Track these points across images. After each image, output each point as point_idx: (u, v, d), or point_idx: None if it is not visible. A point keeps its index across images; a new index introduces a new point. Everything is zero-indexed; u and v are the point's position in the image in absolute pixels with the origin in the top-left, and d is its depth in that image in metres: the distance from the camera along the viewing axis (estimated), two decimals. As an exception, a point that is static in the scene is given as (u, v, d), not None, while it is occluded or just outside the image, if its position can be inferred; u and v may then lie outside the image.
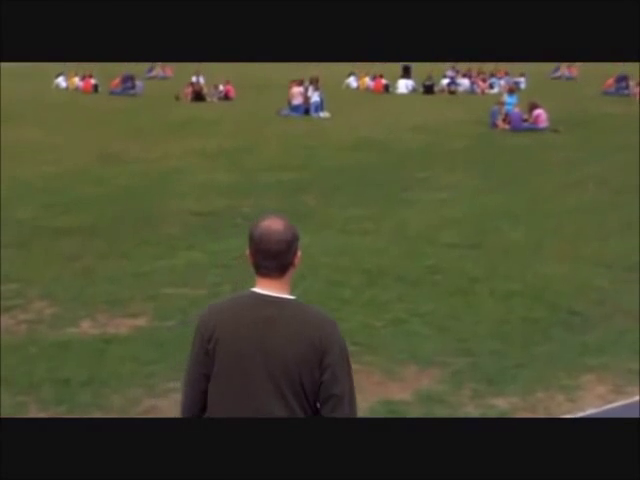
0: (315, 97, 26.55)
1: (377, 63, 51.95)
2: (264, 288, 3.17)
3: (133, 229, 11.34)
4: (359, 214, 12.32)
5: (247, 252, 3.22)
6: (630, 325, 7.87)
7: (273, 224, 3.15)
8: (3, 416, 5.82)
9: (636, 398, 6.39)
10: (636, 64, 44.05)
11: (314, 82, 26.86)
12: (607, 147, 19.69)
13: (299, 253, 3.22)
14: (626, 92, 34.86)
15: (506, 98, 24.12)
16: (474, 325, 7.87)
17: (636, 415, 5.67)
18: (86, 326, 7.84)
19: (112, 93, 35.55)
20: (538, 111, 22.97)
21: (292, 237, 3.15)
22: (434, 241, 10.80)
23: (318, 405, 3.17)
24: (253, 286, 3.24)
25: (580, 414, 6.15)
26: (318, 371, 3.08)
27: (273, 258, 3.14)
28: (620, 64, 48.12)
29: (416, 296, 8.65)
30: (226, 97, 32.46)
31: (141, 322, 7.95)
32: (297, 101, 26.66)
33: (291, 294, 3.20)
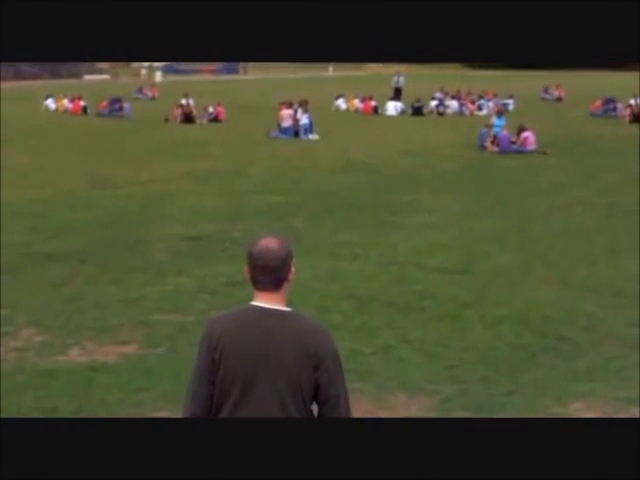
0: (304, 119, 26.62)
1: (365, 85, 52.28)
2: (263, 301, 3.49)
3: (122, 254, 11.33)
4: (348, 238, 12.34)
5: (245, 269, 3.53)
6: (619, 351, 7.89)
7: (269, 243, 3.48)
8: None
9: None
10: (622, 87, 44.45)
11: (303, 104, 26.94)
12: (595, 170, 19.82)
13: (293, 269, 3.53)
14: (613, 114, 35.06)
15: (494, 120, 24.22)
16: (463, 351, 7.88)
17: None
18: (74, 354, 7.81)
19: (100, 115, 35.74)
20: (526, 133, 23.09)
21: (287, 254, 3.49)
22: (423, 266, 10.82)
23: (316, 407, 3.50)
24: None
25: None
26: (315, 375, 3.41)
27: (269, 274, 3.46)
28: (606, 86, 48.50)
29: (405, 322, 8.67)
30: (216, 119, 32.52)
31: (130, 349, 7.93)
32: (286, 123, 26.73)
33: (287, 306, 3.52)
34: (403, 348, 7.95)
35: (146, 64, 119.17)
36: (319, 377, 3.42)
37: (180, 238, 12.32)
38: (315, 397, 3.48)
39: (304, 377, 3.41)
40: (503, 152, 22.55)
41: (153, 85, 50.94)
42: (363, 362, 7.57)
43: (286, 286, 3.52)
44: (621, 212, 14.56)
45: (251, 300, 3.54)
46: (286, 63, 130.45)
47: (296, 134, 26.51)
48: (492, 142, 23.19)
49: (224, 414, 3.48)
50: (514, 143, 23.17)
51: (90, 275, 10.32)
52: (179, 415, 3.68)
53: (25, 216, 13.62)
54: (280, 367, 3.41)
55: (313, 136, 26.39)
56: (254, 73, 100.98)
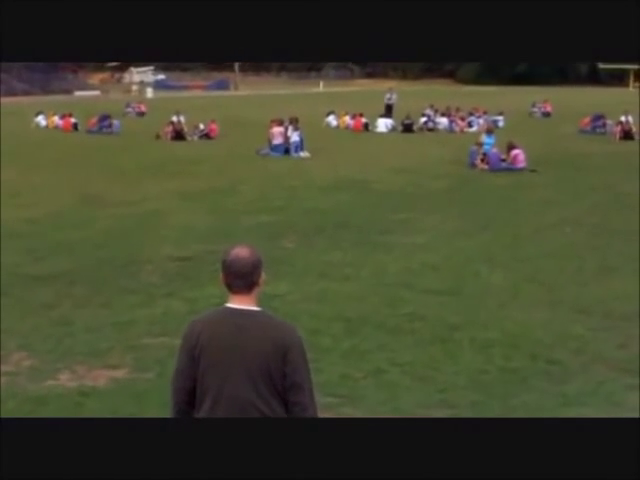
0: (295, 137, 26.66)
1: (356, 102, 52.38)
2: (236, 303, 3.99)
3: (112, 276, 11.31)
4: (339, 259, 12.35)
5: (221, 275, 4.01)
6: (609, 375, 7.90)
7: (241, 252, 3.98)
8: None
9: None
10: (610, 103, 44.68)
11: (294, 122, 26.99)
12: (585, 187, 19.89)
13: (263, 275, 4.03)
14: (602, 130, 35.21)
15: (484, 138, 24.29)
16: (454, 375, 7.88)
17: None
18: (64, 378, 7.79)
19: (89, 132, 35.95)
20: (516, 151, 23.17)
21: (257, 261, 3.99)
22: (413, 287, 10.83)
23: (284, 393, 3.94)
24: None
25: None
26: (282, 364, 3.86)
27: (242, 278, 3.95)
28: (595, 102, 48.73)
29: (396, 345, 8.67)
30: (207, 136, 32.56)
31: (120, 374, 7.92)
32: (277, 141, 26.76)
33: (258, 307, 4.01)
34: (394, 372, 7.95)
35: (137, 80, 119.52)
36: (286, 365, 3.87)
37: (170, 259, 12.31)
38: (284, 385, 3.91)
39: (273, 366, 3.87)
40: (493, 170, 22.63)
41: (141, 101, 51.09)
42: (354, 387, 7.57)
43: (256, 289, 4.02)
44: (610, 231, 14.60)
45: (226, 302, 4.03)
46: (276, 79, 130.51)
47: (287, 151, 26.55)
48: (482, 160, 23.27)
49: (207, 403, 3.95)
50: (504, 161, 23.24)
51: (80, 297, 10.31)
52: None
53: (15, 236, 13.58)
54: (253, 358, 3.88)
55: (304, 153, 26.42)
56: (245, 89, 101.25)
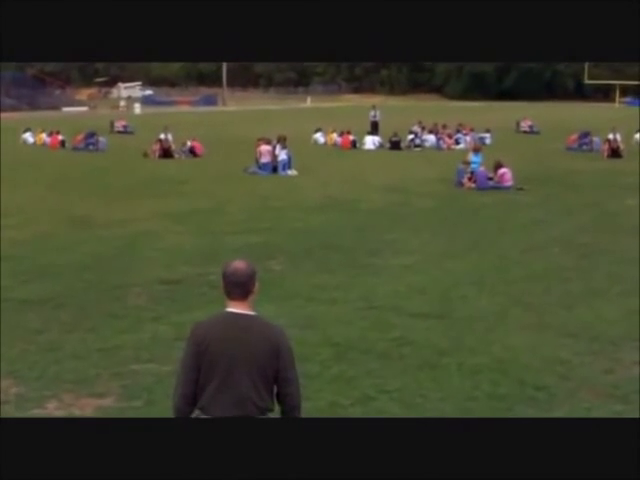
0: (283, 155, 26.71)
1: (343, 117, 52.51)
2: (235, 308, 4.72)
3: (100, 300, 11.29)
4: (327, 282, 12.35)
5: (222, 285, 4.77)
6: (595, 401, 7.92)
7: (238, 264, 4.76)
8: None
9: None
10: (596, 118, 44.90)
11: (282, 140, 27.03)
12: (572, 207, 19.97)
13: (257, 284, 4.81)
14: (589, 147, 35.41)
15: (471, 157, 24.38)
16: (441, 402, 7.88)
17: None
18: (52, 407, 7.75)
19: (75, 149, 36.27)
20: (503, 170, 23.27)
21: (252, 272, 4.77)
22: (401, 311, 10.84)
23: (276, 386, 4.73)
24: None
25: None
26: (275, 361, 4.63)
27: (239, 287, 4.71)
28: (582, 121, 48.96)
29: (384, 371, 8.66)
30: (193, 154, 32.55)
31: (107, 402, 7.88)
32: (265, 159, 26.80)
33: (253, 311, 4.78)
34: (382, 399, 7.94)
35: (125, 95, 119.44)
36: (279, 362, 4.65)
37: (158, 282, 12.28)
38: (275, 378, 4.68)
39: (268, 363, 4.63)
40: (480, 188, 22.71)
41: (123, 119, 51.24)
42: (342, 415, 7.55)
43: (252, 297, 4.77)
44: (597, 252, 14.66)
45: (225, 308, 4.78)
46: (264, 94, 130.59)
47: (274, 170, 26.59)
48: (469, 179, 23.35)
49: (208, 393, 4.61)
50: (491, 179, 23.34)
51: (67, 322, 10.28)
52: (171, 398, 4.82)
53: (2, 259, 13.53)
54: (251, 356, 4.60)
55: (292, 172, 26.47)
56: (232, 104, 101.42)
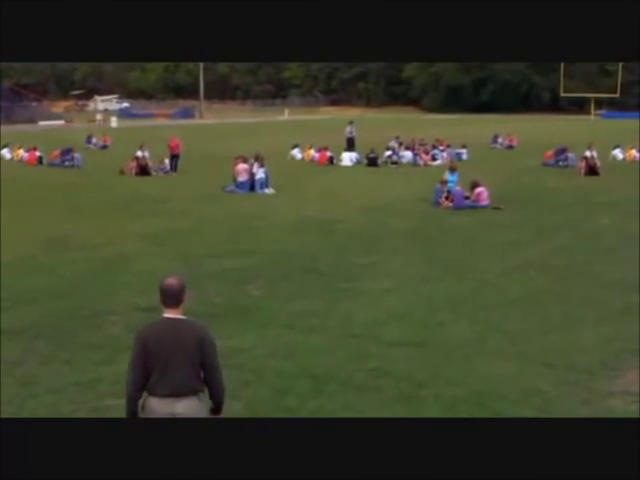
0: (260, 173, 26.69)
1: (321, 133, 52.63)
2: (170, 314, 5.94)
3: (76, 329, 11.22)
4: (304, 308, 12.34)
5: (159, 296, 5.94)
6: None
7: (172, 281, 5.94)
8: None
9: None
10: (574, 137, 45.20)
11: (259, 159, 27.01)
12: (548, 227, 20.06)
13: (187, 294, 5.99)
14: (565, 163, 35.66)
15: (448, 176, 24.44)
16: (419, 437, 7.88)
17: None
18: (27, 445, 7.69)
19: (51, 164, 36.81)
20: (480, 189, 23.37)
21: (183, 286, 5.97)
22: (379, 339, 10.86)
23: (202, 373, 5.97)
24: None
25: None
26: (201, 352, 5.88)
27: (173, 298, 5.92)
28: (557, 135, 49.25)
29: (362, 404, 8.64)
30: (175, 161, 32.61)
31: (84, 440, 7.82)
32: (242, 178, 26.77)
33: (184, 316, 5.97)
34: (359, 434, 7.93)
35: (101, 108, 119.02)
36: (203, 353, 5.90)
37: (135, 309, 12.23)
38: (202, 365, 5.91)
39: (196, 354, 5.88)
40: (457, 208, 22.79)
41: (104, 134, 51.06)
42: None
43: (182, 305, 5.95)
44: (573, 275, 14.74)
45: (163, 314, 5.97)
46: (242, 107, 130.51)
47: (252, 188, 26.57)
48: (446, 198, 23.42)
49: (152, 380, 5.85)
50: (467, 198, 23.42)
51: (44, 354, 10.22)
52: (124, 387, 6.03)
53: (-23, 285, 13.43)
54: (183, 349, 5.84)
55: (269, 190, 26.45)
56: (210, 117, 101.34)
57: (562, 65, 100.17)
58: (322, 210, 22.66)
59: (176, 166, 33.53)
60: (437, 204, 23.39)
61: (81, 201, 24.54)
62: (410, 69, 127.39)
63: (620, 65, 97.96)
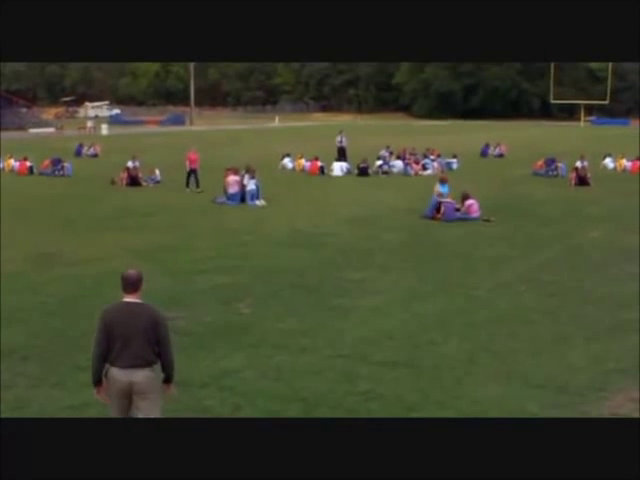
0: (251, 185, 26.69)
1: (312, 140, 52.68)
2: (129, 298, 7.22)
3: (66, 350, 11.21)
4: (295, 326, 12.36)
5: (121, 284, 7.26)
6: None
7: (132, 272, 7.29)
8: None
9: None
10: (565, 145, 45.32)
11: (250, 171, 27.02)
12: (538, 239, 20.14)
13: (143, 283, 7.27)
14: (555, 173, 35.80)
15: (439, 188, 24.47)
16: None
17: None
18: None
19: (42, 174, 37.15)
20: (470, 201, 23.42)
21: (140, 277, 7.27)
22: (369, 359, 10.88)
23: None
24: None
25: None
26: (155, 330, 7.12)
27: (132, 285, 7.21)
28: (547, 148, 49.40)
29: (352, 429, 8.65)
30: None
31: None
32: (233, 189, 26.77)
33: (140, 300, 7.23)
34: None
35: (92, 114, 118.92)
36: (156, 331, 7.14)
37: (125, 328, 12.19)
38: (156, 341, 7.13)
39: (150, 331, 7.10)
40: (448, 220, 22.81)
41: (93, 143, 51.06)
42: None
43: (139, 292, 7.23)
44: (563, 290, 14.79)
45: (122, 299, 7.22)
46: (232, 113, 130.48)
47: (243, 200, 26.57)
48: (437, 210, 23.43)
49: (114, 353, 7.06)
50: (458, 210, 23.45)
51: (34, 376, 10.20)
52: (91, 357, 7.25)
53: (-33, 304, 13.39)
54: (140, 327, 7.06)
55: (260, 202, 26.44)
56: (200, 124, 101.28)
57: (552, 71, 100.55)
58: (313, 223, 22.68)
59: (197, 181, 30.12)
60: (431, 217, 23.28)
61: (71, 214, 24.50)
62: (400, 75, 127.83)
63: (610, 71, 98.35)
